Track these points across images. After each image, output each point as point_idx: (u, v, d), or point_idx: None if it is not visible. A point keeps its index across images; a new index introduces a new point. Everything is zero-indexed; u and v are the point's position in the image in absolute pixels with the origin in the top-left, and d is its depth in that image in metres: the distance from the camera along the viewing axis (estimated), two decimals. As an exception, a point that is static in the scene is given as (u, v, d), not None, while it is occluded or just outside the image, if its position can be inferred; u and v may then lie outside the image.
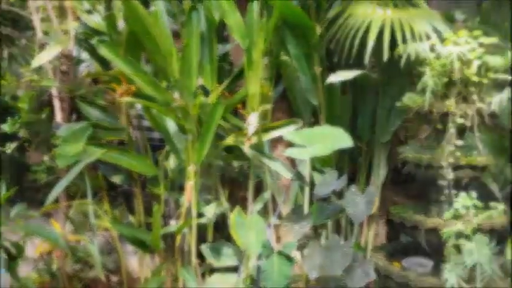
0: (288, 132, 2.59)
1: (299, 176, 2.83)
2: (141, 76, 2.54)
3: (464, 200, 2.33)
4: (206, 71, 2.73)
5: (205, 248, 2.71)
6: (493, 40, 2.52)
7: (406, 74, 2.66)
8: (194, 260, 2.64)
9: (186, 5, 2.74)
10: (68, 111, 3.07)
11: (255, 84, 2.71)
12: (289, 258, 2.43)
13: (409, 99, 2.50)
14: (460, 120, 2.44)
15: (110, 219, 2.81)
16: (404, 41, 2.54)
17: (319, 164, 2.92)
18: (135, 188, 2.88)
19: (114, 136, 2.84)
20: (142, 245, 2.77)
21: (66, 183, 2.52)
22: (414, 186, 2.78)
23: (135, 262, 3.02)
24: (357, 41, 2.58)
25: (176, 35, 2.79)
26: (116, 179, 2.87)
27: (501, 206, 2.39)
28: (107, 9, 2.81)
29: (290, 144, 2.51)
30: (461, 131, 2.48)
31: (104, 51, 2.52)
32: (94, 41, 2.65)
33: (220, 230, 2.84)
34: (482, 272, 2.15)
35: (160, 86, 2.58)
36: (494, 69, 2.49)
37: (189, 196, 2.60)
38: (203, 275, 2.75)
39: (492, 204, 2.38)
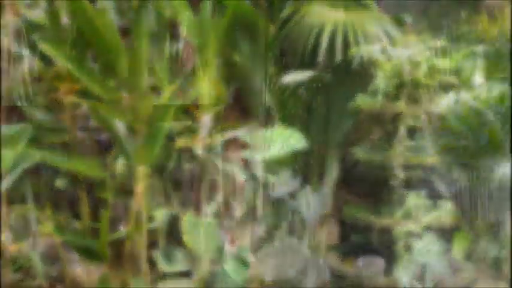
0: (241, 133, 2.58)
1: (253, 178, 2.81)
2: (86, 74, 2.44)
3: (414, 200, 2.39)
4: (157, 70, 2.66)
5: (156, 254, 2.63)
6: (440, 43, 2.61)
7: (358, 75, 2.70)
8: (144, 266, 2.56)
9: (135, 2, 2.66)
10: (7, 111, 2.91)
11: (208, 84, 2.66)
12: (244, 261, 2.41)
13: (361, 100, 2.54)
14: (410, 121, 2.50)
15: (53, 225, 2.68)
16: (356, 42, 2.59)
17: (273, 165, 2.92)
18: (80, 192, 2.76)
19: (57, 137, 2.70)
20: (87, 252, 2.66)
21: (5, 188, 2.37)
22: (367, 186, 2.83)
23: (82, 269, 2.90)
24: (310, 42, 2.60)
25: (124, 32, 2.71)
26: (60, 183, 2.73)
27: (449, 205, 2.47)
28: (50, 4, 2.68)
29: (244, 146, 2.49)
30: (412, 132, 2.55)
31: (46, 48, 2.40)
32: (36, 37, 2.53)
33: (173, 234, 2.76)
34: (432, 270, 2.21)
35: (107, 84, 2.48)
36: (442, 72, 2.58)
37: (138, 200, 2.52)
38: (154, 282, 2.66)
39: (440, 203, 2.46)
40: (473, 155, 2.55)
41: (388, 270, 2.46)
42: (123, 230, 2.69)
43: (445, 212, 2.43)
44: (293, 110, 2.96)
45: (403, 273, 2.23)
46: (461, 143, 2.58)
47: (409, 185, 2.50)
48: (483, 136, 2.50)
